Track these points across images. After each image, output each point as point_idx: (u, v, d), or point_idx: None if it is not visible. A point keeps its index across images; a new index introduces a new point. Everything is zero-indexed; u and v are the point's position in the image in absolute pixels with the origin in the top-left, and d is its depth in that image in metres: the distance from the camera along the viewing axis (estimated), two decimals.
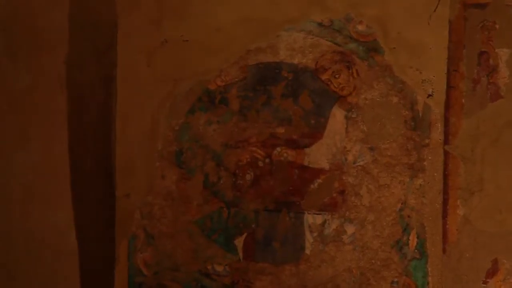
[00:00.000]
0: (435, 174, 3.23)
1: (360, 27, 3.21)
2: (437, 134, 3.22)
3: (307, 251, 3.25)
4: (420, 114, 3.22)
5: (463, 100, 3.22)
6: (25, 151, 3.30)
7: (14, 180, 3.28)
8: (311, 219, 3.25)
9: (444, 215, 3.23)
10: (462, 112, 3.24)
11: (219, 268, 3.24)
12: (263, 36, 3.23)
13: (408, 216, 3.22)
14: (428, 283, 3.21)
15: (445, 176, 3.23)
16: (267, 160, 3.27)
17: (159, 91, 3.28)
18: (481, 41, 3.21)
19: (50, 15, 3.28)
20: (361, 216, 3.25)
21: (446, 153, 3.24)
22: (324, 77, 3.26)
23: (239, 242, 3.26)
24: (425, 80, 3.19)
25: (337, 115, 3.26)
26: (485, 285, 3.21)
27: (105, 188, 3.33)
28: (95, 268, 3.28)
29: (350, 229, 3.25)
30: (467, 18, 3.21)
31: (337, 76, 3.24)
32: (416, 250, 3.22)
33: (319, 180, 3.26)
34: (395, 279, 3.22)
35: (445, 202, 3.23)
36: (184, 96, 3.28)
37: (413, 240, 3.22)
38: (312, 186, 3.26)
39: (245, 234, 3.26)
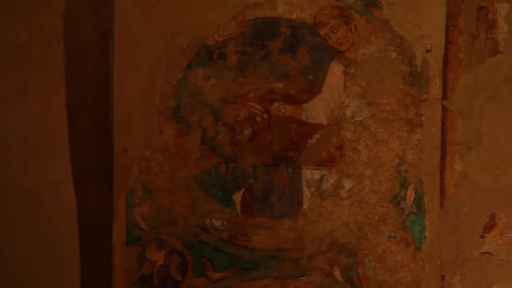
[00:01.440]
0: (433, 129, 3.24)
1: None
2: (435, 89, 3.23)
3: (305, 206, 3.27)
4: (419, 69, 3.23)
5: (462, 55, 3.23)
6: (22, 106, 3.30)
7: (12, 135, 3.28)
8: (309, 174, 3.27)
9: (442, 170, 3.24)
10: (461, 67, 3.25)
11: (217, 223, 3.26)
12: None
13: (406, 171, 3.24)
14: (425, 238, 3.24)
15: (443, 131, 3.24)
16: (265, 115, 3.28)
17: (157, 46, 3.28)
18: None
19: None
20: (359, 171, 3.26)
21: (444, 108, 3.25)
22: (322, 32, 3.26)
23: (237, 196, 3.27)
24: (423, 35, 3.19)
25: (335, 70, 3.27)
26: (482, 240, 3.23)
27: (103, 143, 3.34)
28: (94, 222, 3.30)
29: (347, 184, 3.27)
30: None
31: (335, 31, 3.24)
32: (413, 205, 3.24)
33: (317, 135, 3.27)
34: (393, 234, 3.24)
35: (442, 157, 3.25)
36: (182, 51, 3.28)
37: (410, 195, 3.24)
38: (310, 141, 3.27)
39: (243, 189, 3.27)
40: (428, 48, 3.23)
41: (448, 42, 3.25)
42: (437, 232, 3.26)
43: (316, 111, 3.30)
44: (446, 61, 3.25)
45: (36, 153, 3.32)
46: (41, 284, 3.28)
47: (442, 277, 3.25)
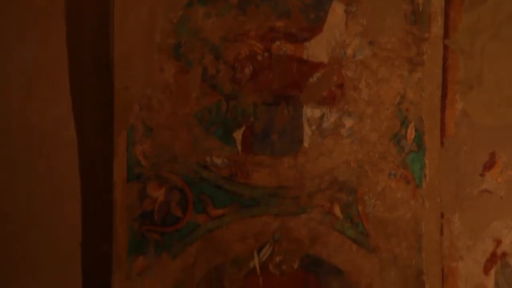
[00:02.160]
0: (434, 68, 3.24)
1: None
2: (437, 28, 3.23)
3: (305, 144, 3.27)
4: (420, 8, 3.22)
5: None
6: (23, 45, 3.29)
7: (12, 74, 3.28)
8: (310, 112, 3.27)
9: (443, 108, 3.25)
10: (463, 6, 3.24)
11: (218, 160, 3.27)
12: None
13: (407, 110, 3.25)
14: (425, 176, 3.25)
15: (444, 70, 3.24)
16: (266, 54, 3.27)
17: None
18: None
19: None
20: (360, 110, 3.27)
21: (445, 47, 3.24)
22: None
23: (237, 135, 3.28)
24: None
25: (337, 9, 3.26)
26: (482, 178, 3.25)
27: (103, 80, 3.33)
28: (94, 159, 3.30)
29: (348, 122, 3.27)
30: None
31: None
32: (414, 143, 3.25)
33: (318, 74, 3.27)
34: (393, 171, 3.25)
35: (443, 96, 3.25)
36: None
37: (411, 133, 3.25)
38: (310, 79, 3.27)
39: (243, 127, 3.28)
40: None
41: None
42: (437, 170, 3.27)
43: (317, 49, 3.29)
44: None
45: (37, 92, 3.32)
46: (41, 223, 3.29)
47: (442, 215, 3.26)
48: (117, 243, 3.30)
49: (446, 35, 3.30)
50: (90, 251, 3.30)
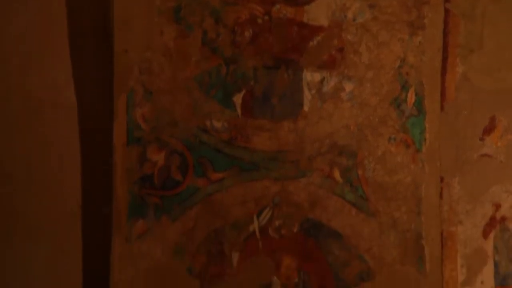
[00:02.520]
0: (435, 31, 3.23)
1: None
2: None
3: (305, 108, 3.27)
4: None
5: None
6: (22, 9, 3.27)
7: (11, 38, 3.26)
8: (310, 76, 3.26)
9: (443, 72, 3.24)
10: None
11: (218, 124, 3.27)
12: None
13: (407, 73, 3.24)
14: (425, 140, 3.25)
15: (445, 34, 3.23)
16: (266, 17, 3.26)
17: None
18: None
19: None
20: (360, 74, 3.26)
21: (446, 11, 3.23)
22: None
23: (237, 98, 3.28)
24: None
25: None
26: (481, 142, 3.24)
27: (103, 44, 3.32)
28: (94, 123, 3.30)
29: (348, 86, 3.27)
30: None
31: None
32: (414, 107, 3.25)
33: (318, 38, 3.26)
34: (393, 136, 3.25)
35: (444, 59, 3.24)
36: None
37: (411, 97, 3.24)
38: (311, 43, 3.26)
39: (243, 91, 3.28)
40: None
41: None
42: (437, 134, 3.27)
43: (317, 13, 3.28)
44: None
45: (36, 55, 3.31)
46: (42, 186, 3.29)
47: (442, 179, 3.27)
48: (117, 206, 3.31)
49: None
50: (90, 214, 3.31)
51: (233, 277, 3.27)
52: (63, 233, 3.26)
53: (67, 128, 3.31)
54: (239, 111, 3.32)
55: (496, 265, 3.22)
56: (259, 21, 3.29)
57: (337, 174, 3.29)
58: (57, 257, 3.24)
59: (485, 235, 3.24)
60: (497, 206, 3.24)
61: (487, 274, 3.21)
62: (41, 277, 3.24)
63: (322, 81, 3.29)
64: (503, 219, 3.24)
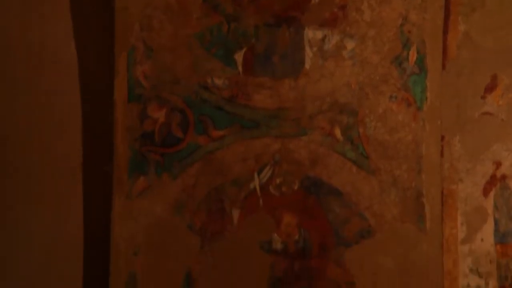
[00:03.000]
0: None
1: None
2: None
3: (307, 66, 3.26)
4: None
5: None
6: None
7: None
8: (311, 34, 3.25)
9: (445, 31, 3.23)
10: None
11: (219, 82, 3.26)
12: None
13: (409, 32, 3.23)
14: (426, 98, 3.25)
15: None
16: None
17: None
18: None
19: None
20: (362, 32, 3.25)
21: None
22: None
23: (238, 56, 3.27)
24: None
25: None
26: (483, 100, 3.24)
27: (103, 0, 3.30)
28: (95, 80, 3.30)
29: (350, 44, 3.25)
30: None
31: None
32: (415, 66, 3.24)
33: None
34: (394, 94, 3.25)
35: (446, 18, 3.23)
36: None
37: (413, 56, 3.24)
38: (312, 1, 3.25)
39: (244, 49, 3.27)
40: None
41: None
42: (438, 92, 3.26)
43: None
44: None
45: (37, 11, 3.28)
46: (42, 143, 3.28)
47: (442, 137, 3.26)
48: (118, 163, 3.31)
49: None
50: (91, 171, 3.30)
51: (233, 234, 3.28)
52: (64, 190, 3.27)
53: (67, 85, 3.30)
54: (240, 68, 3.31)
55: (496, 222, 3.23)
56: None
57: (337, 132, 3.29)
58: (58, 214, 3.25)
59: (485, 193, 3.24)
60: (498, 164, 3.24)
61: (487, 232, 3.22)
62: (43, 234, 3.25)
63: (323, 39, 3.28)
64: (504, 177, 3.24)
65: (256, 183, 3.29)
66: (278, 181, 3.30)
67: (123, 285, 3.26)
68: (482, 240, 3.22)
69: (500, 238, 3.22)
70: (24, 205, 3.24)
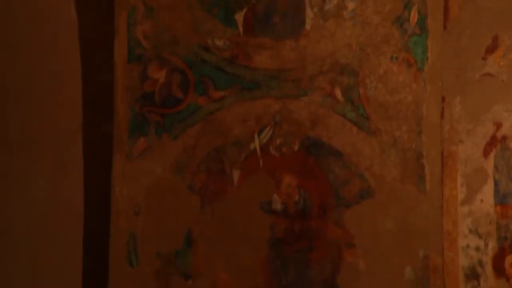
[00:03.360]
0: None
1: None
2: None
3: (307, 26, 3.25)
4: None
5: None
6: None
7: None
8: None
9: None
10: None
11: (219, 42, 3.25)
12: None
13: None
14: (427, 59, 3.24)
15: None
16: None
17: None
18: None
19: None
20: None
21: None
22: None
23: (239, 16, 3.25)
24: None
25: None
26: (484, 61, 3.23)
27: None
28: (95, 40, 3.29)
29: (350, 4, 3.25)
30: None
31: None
32: (416, 26, 3.23)
33: None
34: (395, 55, 3.24)
35: None
36: None
37: (414, 16, 3.22)
38: None
39: (245, 9, 3.25)
40: None
41: None
42: (439, 53, 3.25)
43: None
44: None
45: None
46: (42, 103, 3.30)
47: (443, 98, 3.26)
48: (118, 124, 3.31)
49: None
50: (91, 132, 3.30)
51: (234, 194, 3.28)
52: (64, 150, 3.27)
53: (67, 45, 3.30)
54: (240, 29, 3.30)
55: (496, 183, 3.23)
56: None
57: (338, 93, 3.28)
58: (58, 174, 3.26)
59: (485, 154, 3.24)
60: (498, 125, 3.24)
61: (487, 193, 3.23)
62: (43, 195, 3.25)
63: None
64: (504, 138, 3.24)
65: (256, 144, 3.29)
66: (278, 142, 3.30)
67: (124, 245, 3.27)
68: (482, 201, 3.22)
69: (500, 199, 3.23)
70: (23, 166, 3.25)
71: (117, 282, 3.29)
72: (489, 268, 3.23)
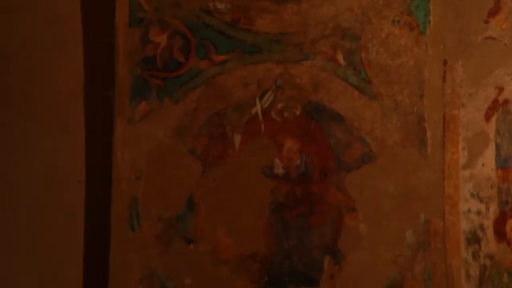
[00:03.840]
0: None
1: None
2: None
3: None
4: None
5: None
6: None
7: None
8: None
9: None
10: None
11: (221, 5, 3.24)
12: None
13: None
14: (429, 22, 3.23)
15: None
16: None
17: None
18: None
19: None
20: None
21: None
22: None
23: None
24: None
25: None
26: (486, 25, 3.22)
27: None
28: (96, 3, 3.26)
29: None
30: None
31: None
32: None
33: None
34: (397, 18, 3.23)
35: None
36: None
37: None
38: None
39: None
40: None
41: None
42: (441, 16, 3.24)
43: None
44: None
45: None
46: (44, 67, 3.29)
47: (445, 62, 3.25)
48: (119, 88, 3.30)
49: None
50: (92, 96, 3.29)
51: (235, 158, 3.28)
52: (65, 113, 3.26)
53: (69, 8, 3.27)
54: None
55: (497, 147, 3.22)
56: None
57: (340, 57, 3.27)
58: (59, 137, 3.26)
59: (487, 118, 3.23)
60: (500, 89, 3.23)
61: (488, 157, 3.22)
62: (44, 158, 3.26)
63: None
64: (506, 102, 3.23)
65: (258, 108, 3.28)
66: (280, 106, 3.29)
67: (126, 209, 3.27)
68: (483, 165, 3.21)
69: (502, 163, 3.22)
70: (24, 129, 3.24)
71: (119, 246, 3.29)
72: (490, 232, 3.23)
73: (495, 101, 3.26)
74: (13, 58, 3.27)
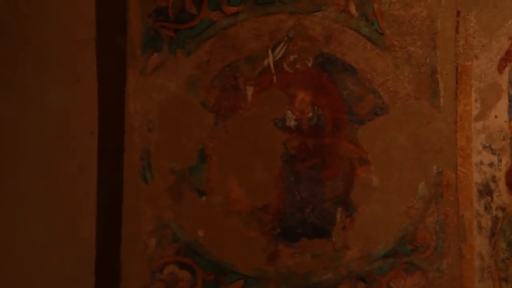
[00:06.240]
0: None
1: None
2: None
3: None
4: None
5: None
6: None
7: None
8: None
9: None
10: None
11: None
12: None
13: None
14: None
15: None
16: None
17: None
18: None
19: None
20: None
21: None
22: None
23: None
24: None
25: None
26: None
27: None
28: None
29: None
30: None
31: None
32: None
33: None
34: None
35: None
36: None
37: None
38: None
39: None
40: None
41: None
42: None
43: None
44: None
45: None
46: (55, 15, 3.25)
47: (458, 13, 3.20)
48: (131, 39, 3.28)
49: None
50: (104, 45, 3.25)
51: (247, 110, 3.25)
52: (77, 61, 3.23)
53: None
54: None
55: (510, 99, 3.18)
56: None
57: (352, 8, 3.23)
58: (72, 85, 3.22)
59: (500, 69, 3.19)
60: None
61: (501, 108, 3.19)
62: (56, 108, 3.24)
63: None
64: None
65: (270, 60, 3.25)
66: (292, 58, 3.25)
67: (138, 160, 3.24)
68: (496, 116, 3.17)
69: None
70: (36, 77, 3.21)
71: (132, 198, 3.28)
72: (502, 184, 3.20)
73: (508, 52, 3.21)
74: (25, 6, 3.23)
